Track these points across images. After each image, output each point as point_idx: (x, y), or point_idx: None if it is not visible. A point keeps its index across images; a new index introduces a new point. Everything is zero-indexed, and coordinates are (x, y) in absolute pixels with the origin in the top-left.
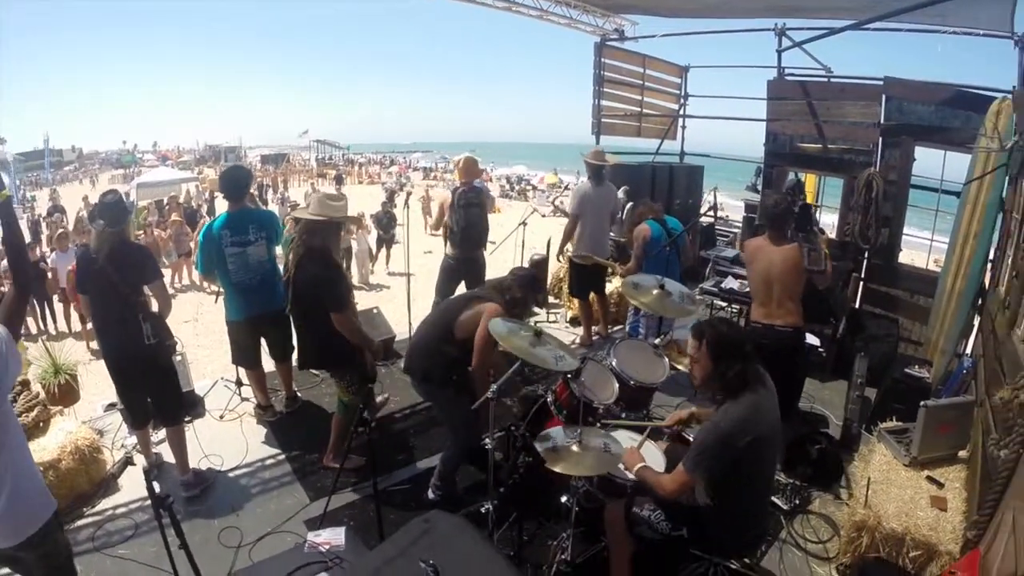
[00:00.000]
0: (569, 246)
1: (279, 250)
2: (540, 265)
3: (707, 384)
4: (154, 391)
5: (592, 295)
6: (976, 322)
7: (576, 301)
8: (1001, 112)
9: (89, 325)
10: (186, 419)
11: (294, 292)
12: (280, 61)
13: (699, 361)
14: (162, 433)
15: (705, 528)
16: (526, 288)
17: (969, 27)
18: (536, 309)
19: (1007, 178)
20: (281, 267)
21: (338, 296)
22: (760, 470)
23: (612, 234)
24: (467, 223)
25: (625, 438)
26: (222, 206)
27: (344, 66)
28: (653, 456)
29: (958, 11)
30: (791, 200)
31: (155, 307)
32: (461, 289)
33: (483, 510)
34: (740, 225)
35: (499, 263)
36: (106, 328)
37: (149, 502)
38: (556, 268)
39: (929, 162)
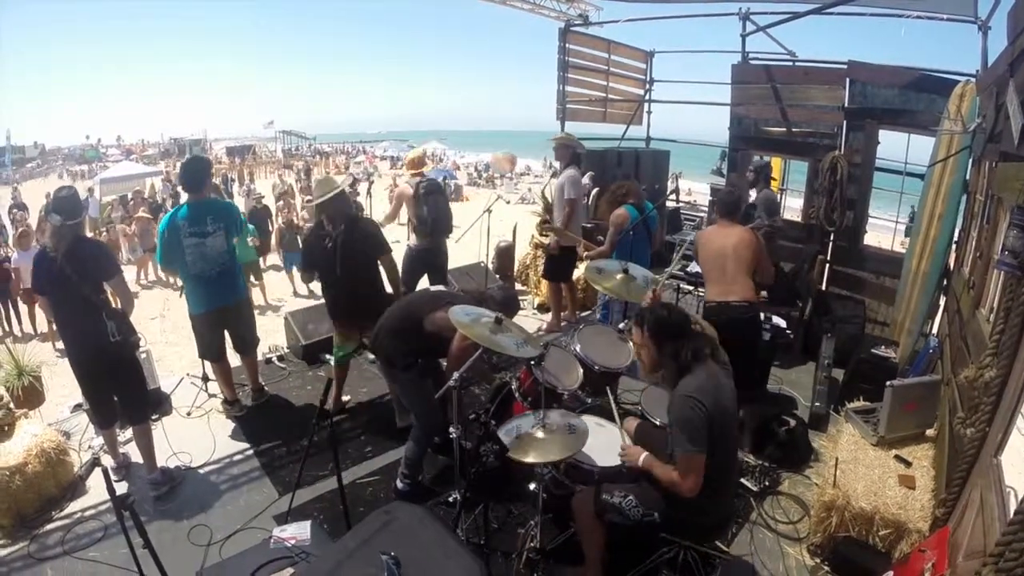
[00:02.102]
0: (536, 233)
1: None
2: (506, 252)
3: (656, 368)
4: (120, 389)
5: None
6: (942, 302)
7: (545, 286)
8: (965, 95)
9: (54, 325)
10: (153, 417)
11: (348, 249)
12: (244, 52)
13: (644, 347)
14: (129, 433)
15: (677, 510)
16: (504, 307)
17: (933, 11)
18: None
19: (970, 160)
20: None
21: (387, 243)
22: (723, 443)
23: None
24: (437, 213)
25: (592, 424)
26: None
27: (310, 56)
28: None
29: None
30: (760, 180)
31: (117, 304)
32: (424, 280)
33: (451, 499)
34: (707, 209)
35: (465, 251)
36: (69, 327)
37: None
38: (523, 255)
39: (893, 145)
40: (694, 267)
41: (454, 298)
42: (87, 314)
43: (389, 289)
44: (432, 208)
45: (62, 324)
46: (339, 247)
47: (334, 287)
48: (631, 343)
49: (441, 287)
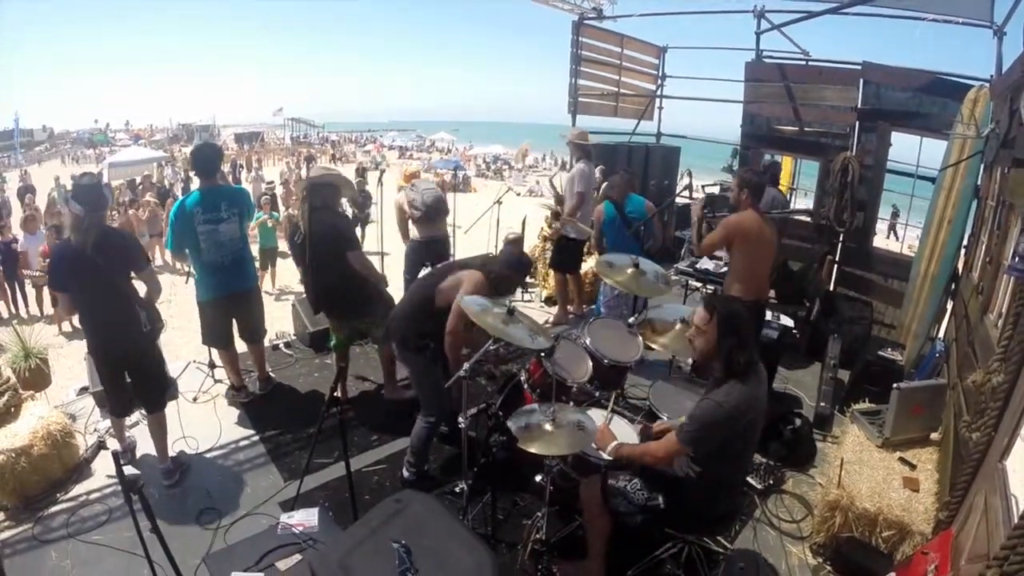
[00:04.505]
0: (548, 223)
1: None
2: (515, 244)
3: (706, 359)
4: (141, 379)
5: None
6: (949, 306)
7: (552, 279)
8: (978, 100)
9: (61, 309)
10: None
11: (313, 245)
12: (254, 38)
13: (706, 333)
14: (135, 417)
15: (680, 498)
16: (512, 268)
17: (948, 15)
18: None
19: (982, 165)
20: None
21: (352, 237)
22: (744, 449)
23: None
24: (428, 196)
25: (599, 417)
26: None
27: (320, 44)
28: (627, 436)
29: None
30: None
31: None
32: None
33: (457, 489)
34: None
35: (474, 242)
36: (98, 320)
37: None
38: (531, 247)
39: (905, 148)
40: (703, 264)
41: (463, 263)
42: (119, 306)
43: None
44: (426, 193)
45: (90, 317)
46: (306, 237)
47: (305, 278)
48: (641, 338)
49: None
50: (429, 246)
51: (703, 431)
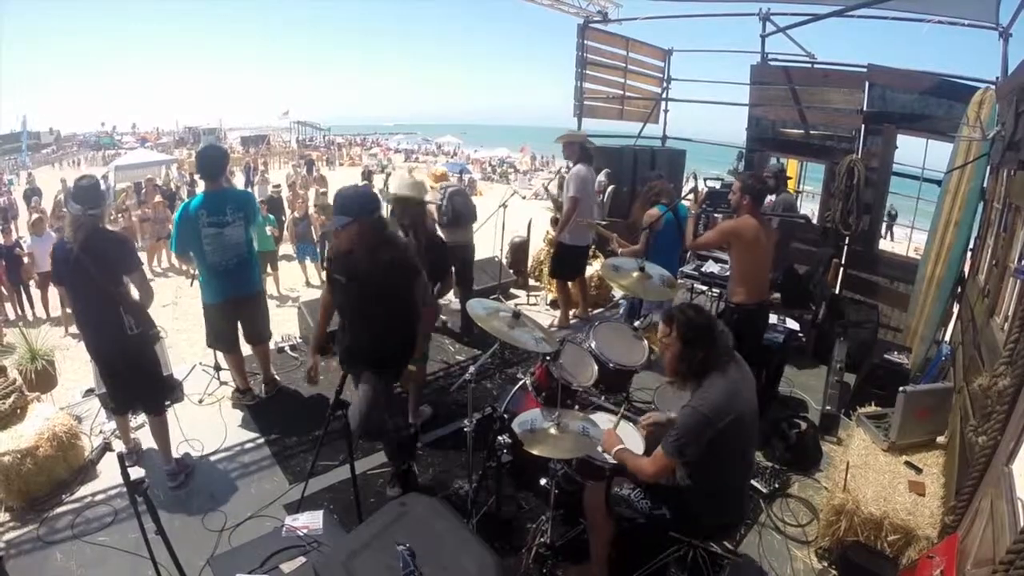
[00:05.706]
0: (551, 229)
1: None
2: (520, 247)
3: (677, 368)
4: (137, 381)
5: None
6: (955, 309)
7: (555, 283)
8: (984, 102)
9: (68, 310)
10: (165, 404)
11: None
12: (260, 41)
13: (670, 346)
14: (141, 418)
15: (685, 507)
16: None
17: (954, 17)
18: (516, 291)
19: (988, 168)
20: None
21: None
22: (738, 450)
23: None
24: (453, 204)
25: (604, 420)
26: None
27: (326, 46)
28: (632, 438)
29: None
30: (779, 184)
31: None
32: None
33: (462, 492)
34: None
35: (479, 245)
36: (87, 319)
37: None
38: (537, 251)
39: (911, 150)
40: (709, 267)
41: None
42: (104, 307)
43: None
44: (451, 201)
45: (80, 315)
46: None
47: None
48: (646, 341)
49: None
50: (454, 251)
51: (686, 437)
